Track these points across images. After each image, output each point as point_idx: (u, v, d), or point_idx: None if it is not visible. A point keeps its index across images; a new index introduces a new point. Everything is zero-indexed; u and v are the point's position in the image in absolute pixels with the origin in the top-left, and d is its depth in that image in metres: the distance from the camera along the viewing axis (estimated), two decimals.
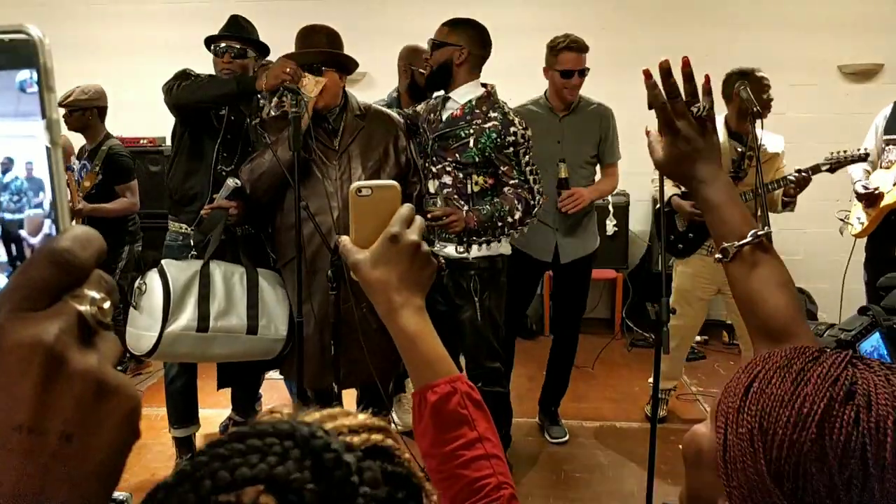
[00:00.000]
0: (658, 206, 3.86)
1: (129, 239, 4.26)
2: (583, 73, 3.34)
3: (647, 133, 1.20)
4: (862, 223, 4.02)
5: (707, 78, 1.12)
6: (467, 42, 2.91)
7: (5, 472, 0.33)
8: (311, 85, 2.67)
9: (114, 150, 4.06)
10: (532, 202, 2.94)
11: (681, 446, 0.84)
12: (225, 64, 3.09)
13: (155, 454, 3.37)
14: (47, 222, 0.40)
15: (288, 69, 2.64)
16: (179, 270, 2.70)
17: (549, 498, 3.19)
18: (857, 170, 4.01)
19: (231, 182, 2.81)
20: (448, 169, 2.92)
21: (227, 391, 3.55)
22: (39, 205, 0.40)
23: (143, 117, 5.00)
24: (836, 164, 3.60)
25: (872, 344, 2.20)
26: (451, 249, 2.93)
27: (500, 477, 0.86)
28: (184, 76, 3.03)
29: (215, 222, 2.81)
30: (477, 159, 2.87)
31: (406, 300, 0.88)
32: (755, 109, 3.14)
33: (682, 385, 4.10)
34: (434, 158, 2.95)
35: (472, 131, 2.87)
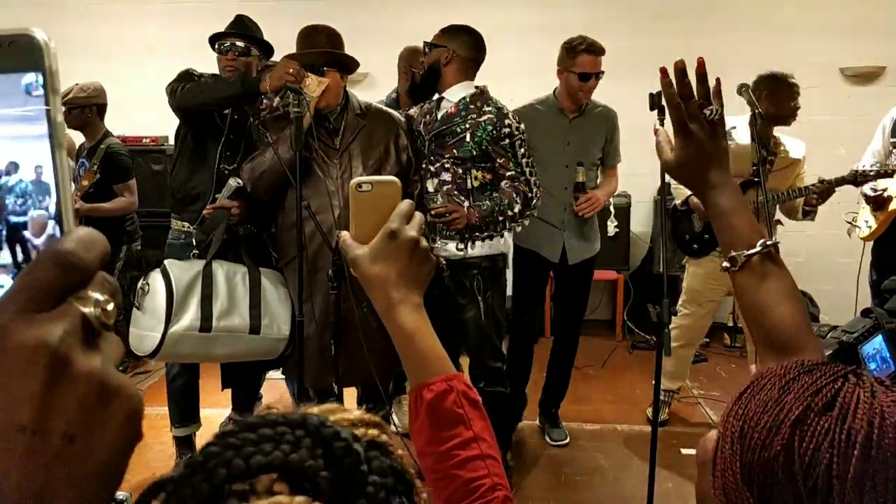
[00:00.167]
0: (673, 205, 3.85)
1: (127, 239, 4.23)
2: (598, 76, 3.34)
3: (656, 132, 1.18)
4: (870, 227, 4.00)
5: (718, 81, 1.11)
6: (455, 45, 3.00)
7: (9, 471, 0.33)
8: (314, 85, 2.69)
9: (112, 149, 4.00)
10: (530, 194, 2.97)
11: (695, 452, 0.85)
12: (228, 62, 3.10)
13: (156, 453, 3.37)
14: (51, 223, 0.41)
15: (291, 69, 2.65)
16: (182, 270, 2.71)
17: (550, 501, 3.19)
18: None
19: (233, 182, 2.81)
20: (447, 166, 2.95)
21: (228, 390, 3.55)
22: (45, 207, 0.40)
23: (145, 116, 5.01)
24: (862, 179, 3.58)
25: (875, 346, 2.20)
26: (452, 247, 2.95)
27: (494, 478, 0.85)
28: (187, 77, 3.03)
29: (217, 222, 2.82)
30: (474, 152, 2.91)
31: (404, 296, 0.88)
32: (757, 111, 3.15)
33: (683, 388, 4.10)
34: (432, 157, 2.98)
35: (467, 126, 2.92)
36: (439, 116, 3.00)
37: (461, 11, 5.38)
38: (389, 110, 3.07)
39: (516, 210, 2.93)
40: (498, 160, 2.94)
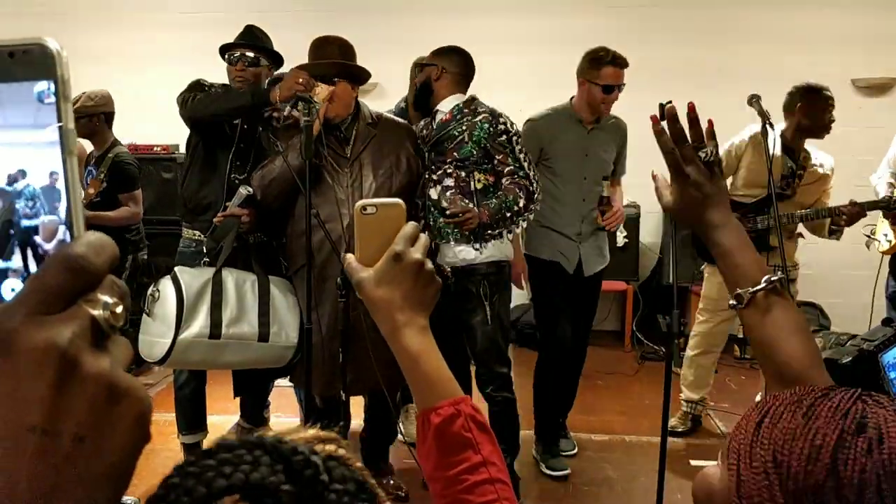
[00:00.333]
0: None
1: (132, 249, 4.14)
2: (621, 88, 3.34)
3: (654, 178, 1.20)
4: (889, 240, 3.98)
5: (710, 122, 1.12)
6: (445, 62, 3.09)
7: (19, 472, 0.33)
8: (324, 92, 2.72)
9: (120, 158, 3.94)
10: (531, 188, 3.02)
11: (692, 489, 0.84)
12: (238, 72, 3.12)
13: (163, 459, 3.38)
14: (62, 228, 0.41)
15: (301, 79, 2.67)
16: (192, 277, 2.72)
17: None
18: (882, 185, 3.98)
19: (243, 190, 2.83)
20: (449, 171, 3.00)
21: (236, 398, 3.56)
22: (57, 212, 0.41)
23: (156, 125, 5.04)
24: (895, 206, 3.57)
25: (895, 355, 2.19)
26: (458, 255, 2.99)
27: (504, 502, 0.84)
28: (198, 87, 3.06)
29: (227, 230, 2.84)
30: (475, 152, 2.97)
31: (409, 319, 0.87)
32: (769, 122, 3.12)
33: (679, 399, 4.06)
34: (433, 166, 3.04)
35: (464, 128, 2.99)
36: (435, 126, 3.07)
37: (470, 22, 5.41)
38: (401, 120, 3.11)
39: (521, 204, 2.98)
40: (496, 157, 3.00)
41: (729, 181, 3.81)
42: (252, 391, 3.46)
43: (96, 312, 0.36)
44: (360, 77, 2.89)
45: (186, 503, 0.40)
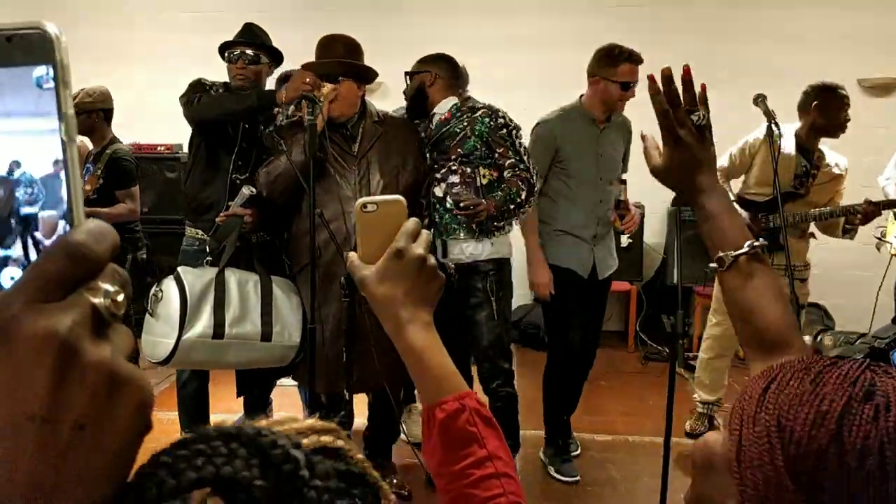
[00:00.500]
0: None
1: (131, 248, 4.13)
2: (636, 84, 3.29)
3: (643, 138, 1.21)
4: None
5: (703, 87, 1.13)
6: (435, 68, 3.14)
7: (20, 461, 0.33)
8: (328, 90, 2.74)
9: (117, 155, 3.91)
10: (532, 180, 3.06)
11: (691, 451, 0.83)
12: (238, 70, 3.12)
13: None
14: (61, 222, 0.41)
15: (307, 80, 2.68)
16: (196, 277, 2.72)
17: None
18: (891, 186, 3.96)
19: (246, 190, 2.84)
20: (454, 168, 3.03)
21: (240, 397, 3.56)
22: (58, 200, 0.40)
23: (160, 124, 5.04)
24: None
25: None
26: (461, 252, 3.03)
27: (510, 496, 0.84)
28: (199, 86, 3.06)
29: (230, 230, 2.84)
30: (478, 146, 3.01)
31: (413, 315, 0.87)
32: (774, 122, 3.10)
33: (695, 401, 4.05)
34: (436, 165, 3.06)
35: (465, 124, 3.03)
36: (433, 126, 3.10)
37: (474, 22, 5.41)
38: (407, 120, 3.14)
39: (523, 196, 3.02)
40: (497, 150, 3.02)
41: (742, 179, 3.80)
42: (254, 390, 3.46)
43: (97, 300, 0.36)
44: (365, 76, 2.89)
45: (154, 495, 0.39)
